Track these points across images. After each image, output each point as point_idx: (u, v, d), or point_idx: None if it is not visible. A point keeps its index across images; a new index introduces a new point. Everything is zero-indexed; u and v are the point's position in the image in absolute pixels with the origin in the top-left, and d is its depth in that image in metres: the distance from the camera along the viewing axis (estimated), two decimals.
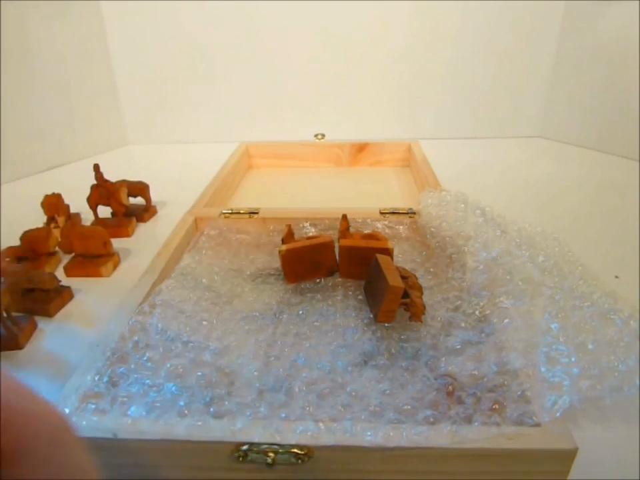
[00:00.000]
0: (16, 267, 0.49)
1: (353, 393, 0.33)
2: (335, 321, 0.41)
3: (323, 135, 0.89)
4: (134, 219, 0.67)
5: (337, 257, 0.47)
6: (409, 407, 0.32)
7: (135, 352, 0.36)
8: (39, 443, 0.14)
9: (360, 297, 0.45)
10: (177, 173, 0.90)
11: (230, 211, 0.59)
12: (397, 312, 0.39)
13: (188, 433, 0.28)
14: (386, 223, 0.56)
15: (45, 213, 0.65)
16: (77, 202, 0.66)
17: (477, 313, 0.40)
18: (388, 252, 0.44)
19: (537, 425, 0.29)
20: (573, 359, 0.33)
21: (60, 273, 0.54)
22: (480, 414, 0.30)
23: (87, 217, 0.67)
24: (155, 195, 0.71)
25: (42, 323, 0.46)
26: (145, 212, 0.69)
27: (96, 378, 0.33)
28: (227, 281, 0.48)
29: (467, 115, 1.08)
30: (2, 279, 0.48)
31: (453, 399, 0.32)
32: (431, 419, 0.30)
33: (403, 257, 0.51)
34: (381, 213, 0.58)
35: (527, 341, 0.35)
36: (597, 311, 0.38)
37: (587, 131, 0.98)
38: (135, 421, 0.29)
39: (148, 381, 0.34)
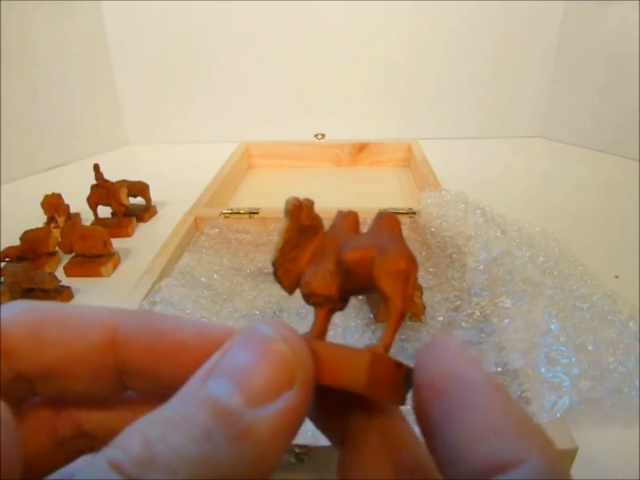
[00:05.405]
0: (16, 266, 0.49)
1: None
2: (334, 320, 0.41)
3: (323, 135, 0.89)
4: (134, 219, 0.67)
5: None
6: (409, 407, 0.32)
7: None
8: None
9: (360, 297, 0.45)
10: (177, 173, 0.90)
11: (230, 211, 0.59)
12: None
13: None
14: None
15: (45, 213, 0.65)
16: (77, 202, 0.66)
17: (477, 313, 0.40)
18: None
19: (537, 425, 0.28)
20: (573, 360, 0.33)
21: (60, 273, 0.54)
22: None
23: (87, 217, 0.67)
24: (154, 195, 0.71)
25: None
26: (145, 212, 0.69)
27: None
28: (226, 280, 0.48)
29: (467, 115, 1.08)
30: (2, 279, 0.48)
31: None
32: None
33: None
34: None
35: (527, 341, 0.35)
36: (596, 312, 0.38)
37: (587, 131, 0.98)
38: None
39: None
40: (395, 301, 0.14)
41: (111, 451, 0.11)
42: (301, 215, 0.16)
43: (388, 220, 0.16)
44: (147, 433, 0.11)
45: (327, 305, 0.15)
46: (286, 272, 0.16)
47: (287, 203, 0.16)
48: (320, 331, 0.15)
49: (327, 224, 0.17)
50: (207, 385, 0.12)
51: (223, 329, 0.15)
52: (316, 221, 0.16)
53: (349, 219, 0.17)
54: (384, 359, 0.14)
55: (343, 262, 0.15)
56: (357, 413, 0.15)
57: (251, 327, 0.14)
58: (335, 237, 0.16)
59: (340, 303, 0.16)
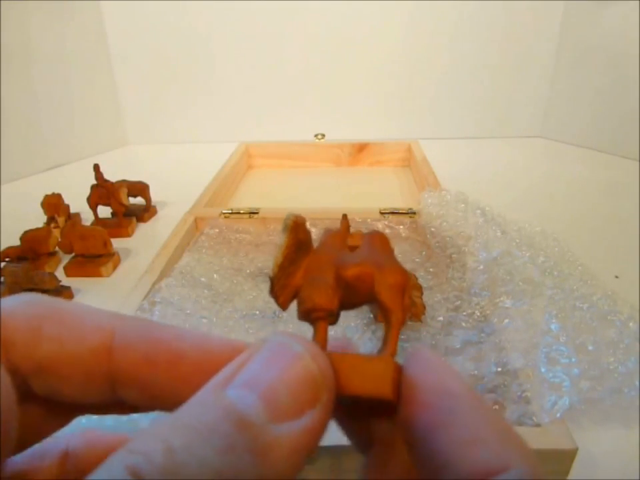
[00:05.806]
0: (16, 266, 0.49)
1: None
2: None
3: (323, 135, 0.89)
4: (134, 219, 0.67)
5: None
6: None
7: None
8: None
9: None
10: (177, 172, 0.90)
11: (230, 211, 0.59)
12: None
13: None
14: (386, 222, 0.56)
15: (45, 213, 0.65)
16: (77, 202, 0.66)
17: (477, 313, 0.40)
18: None
19: (537, 425, 0.28)
20: (573, 360, 0.33)
21: (60, 273, 0.54)
22: None
23: (87, 217, 0.67)
24: (154, 195, 0.71)
25: None
26: (145, 212, 0.69)
27: None
28: (226, 280, 0.48)
29: (467, 115, 1.08)
30: (2, 279, 0.48)
31: None
32: None
33: (403, 256, 0.51)
34: (381, 213, 0.57)
35: (527, 341, 0.35)
36: (596, 312, 0.38)
37: (587, 131, 0.98)
38: (135, 420, 0.29)
39: None
40: (396, 313, 0.16)
41: (129, 457, 0.10)
42: (299, 231, 0.16)
43: (379, 238, 0.18)
44: (170, 440, 0.10)
45: (327, 319, 0.16)
46: (282, 288, 0.16)
47: (287, 219, 0.16)
48: (324, 343, 0.16)
49: (326, 224, 0.17)
50: (227, 393, 0.12)
51: (223, 342, 0.15)
52: (308, 236, 0.17)
53: (337, 236, 0.18)
54: (399, 366, 0.15)
55: (344, 277, 0.16)
56: (381, 418, 0.16)
57: (277, 340, 0.13)
58: (328, 252, 0.17)
59: (335, 316, 0.16)
